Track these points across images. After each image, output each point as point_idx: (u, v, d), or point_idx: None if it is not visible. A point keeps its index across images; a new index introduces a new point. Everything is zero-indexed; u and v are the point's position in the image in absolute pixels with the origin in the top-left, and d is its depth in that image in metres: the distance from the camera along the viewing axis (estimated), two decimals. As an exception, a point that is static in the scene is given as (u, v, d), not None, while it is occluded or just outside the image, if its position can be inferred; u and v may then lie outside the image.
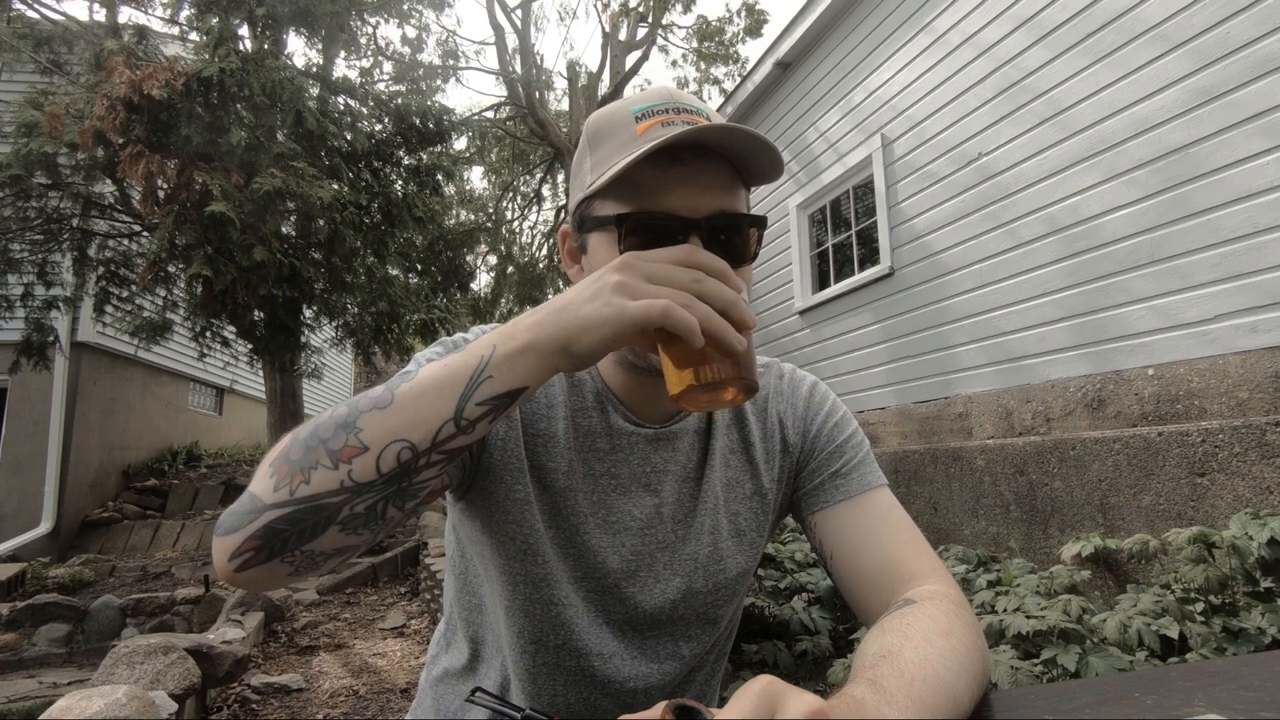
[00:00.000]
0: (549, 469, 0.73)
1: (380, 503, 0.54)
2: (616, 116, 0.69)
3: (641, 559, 0.76)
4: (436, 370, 0.55)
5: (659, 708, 0.41)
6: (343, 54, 8.58)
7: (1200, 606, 2.09)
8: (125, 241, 6.86)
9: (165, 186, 5.44)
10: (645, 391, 0.76)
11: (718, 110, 4.30)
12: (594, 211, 0.68)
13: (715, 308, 0.52)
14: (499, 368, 0.53)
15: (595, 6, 12.93)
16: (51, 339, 6.55)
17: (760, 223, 0.69)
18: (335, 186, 6.08)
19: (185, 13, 6.72)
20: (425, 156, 7.14)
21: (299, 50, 23.75)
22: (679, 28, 13.70)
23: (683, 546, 0.77)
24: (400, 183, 7.12)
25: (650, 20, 12.01)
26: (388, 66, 10.55)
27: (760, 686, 0.41)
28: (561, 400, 0.75)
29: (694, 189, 0.64)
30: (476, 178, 18.47)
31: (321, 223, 6.10)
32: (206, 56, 5.47)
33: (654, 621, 0.77)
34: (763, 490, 0.82)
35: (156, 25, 7.14)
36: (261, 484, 0.54)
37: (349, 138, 6.61)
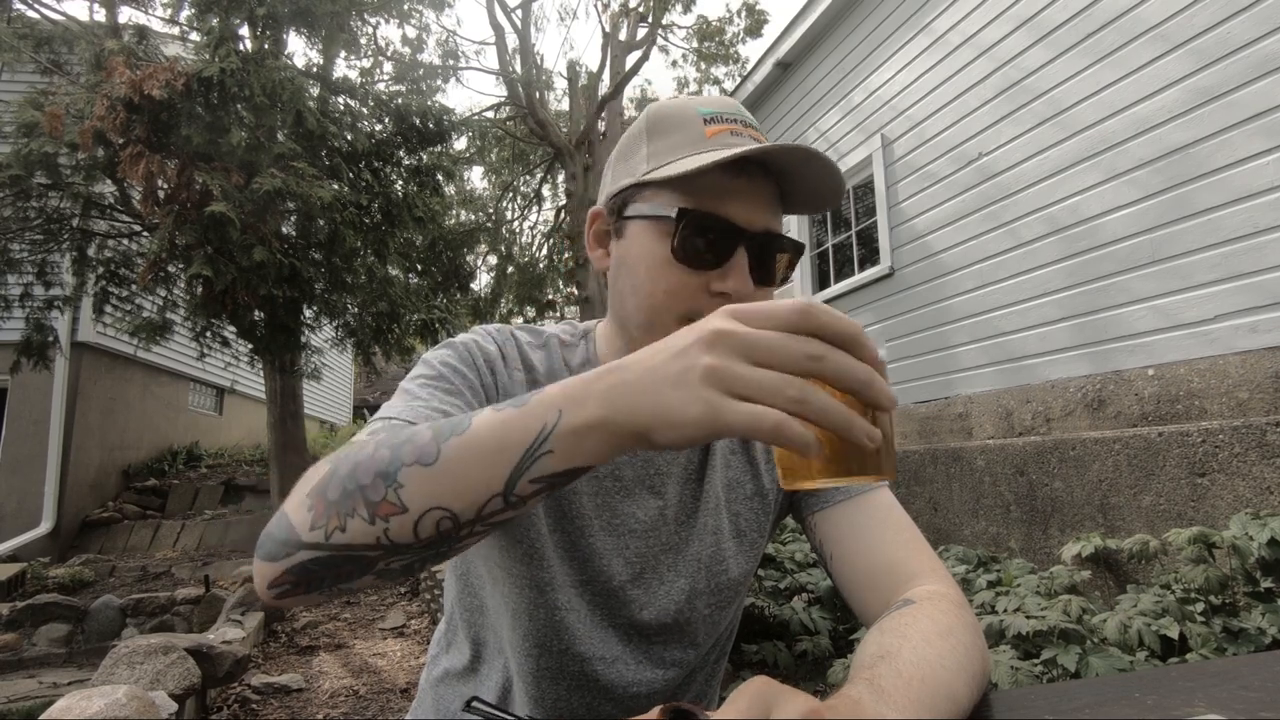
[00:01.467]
0: None
1: (417, 562, 0.51)
2: (683, 112, 0.69)
3: (646, 562, 0.76)
4: (491, 429, 0.47)
5: (654, 711, 0.41)
6: (343, 54, 8.59)
7: (1200, 607, 2.09)
8: (125, 241, 6.85)
9: (165, 186, 5.43)
10: None
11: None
12: (644, 200, 0.68)
13: (844, 388, 0.42)
14: (562, 441, 0.45)
15: (595, 6, 12.94)
16: (51, 339, 6.55)
17: (801, 250, 0.71)
18: (335, 186, 6.07)
19: (185, 13, 6.72)
20: (425, 156, 7.14)
21: (299, 50, 23.81)
22: (679, 28, 13.71)
23: (686, 548, 0.77)
24: (400, 183, 7.11)
25: (650, 20, 12.00)
26: (388, 66, 10.54)
27: (755, 688, 0.41)
28: None
29: (754, 203, 0.66)
30: (476, 178, 18.47)
31: (321, 223, 6.09)
32: (207, 56, 5.47)
33: (658, 625, 0.77)
34: (763, 490, 0.82)
35: (156, 25, 7.14)
36: (298, 515, 0.51)
37: (349, 138, 6.61)
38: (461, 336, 0.74)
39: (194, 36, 6.57)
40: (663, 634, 0.77)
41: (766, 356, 0.41)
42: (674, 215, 0.64)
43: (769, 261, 0.68)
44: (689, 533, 0.77)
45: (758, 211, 0.66)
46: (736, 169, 0.64)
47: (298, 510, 0.51)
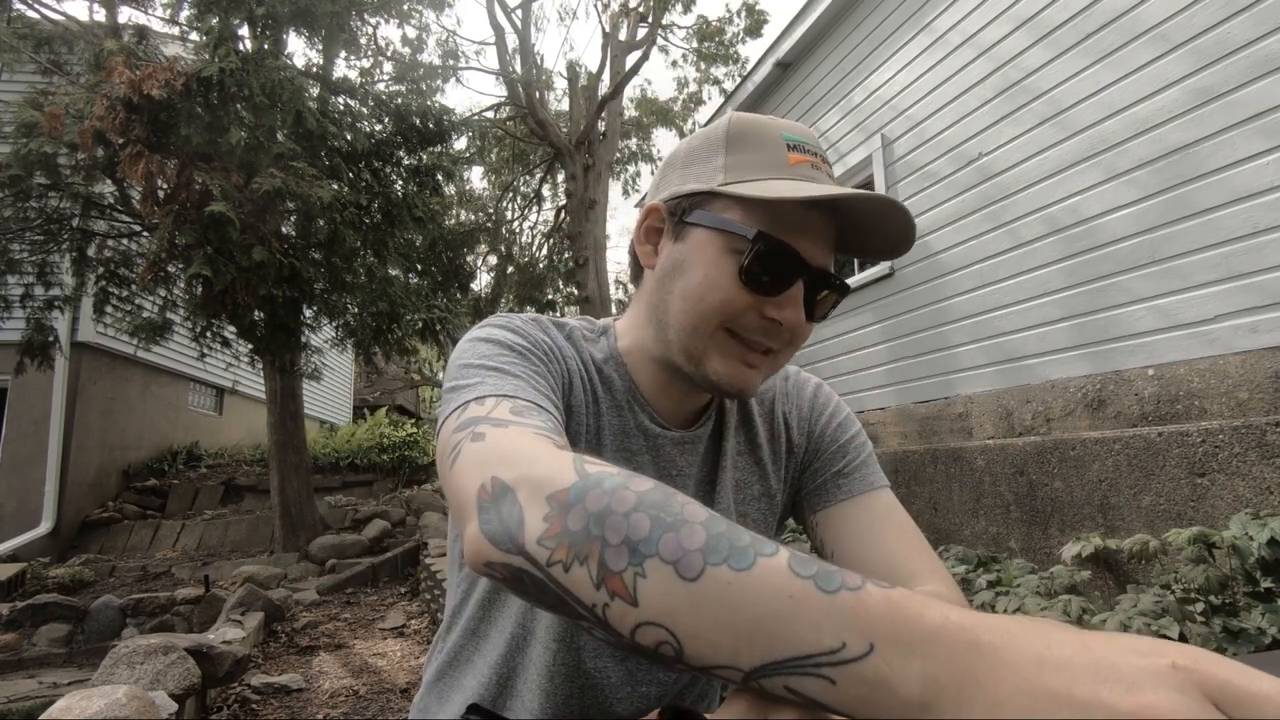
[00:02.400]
0: None
1: (617, 645, 0.45)
2: (767, 132, 0.69)
3: None
4: (777, 595, 0.37)
5: (654, 713, 0.41)
6: (343, 54, 8.58)
7: (1200, 607, 2.09)
8: (125, 241, 6.86)
9: (165, 186, 5.44)
10: (675, 394, 0.76)
11: (715, 111, 4.33)
12: (715, 210, 0.68)
13: None
14: (850, 685, 0.34)
15: (595, 6, 12.93)
16: (52, 339, 6.55)
17: (846, 293, 0.72)
18: (335, 186, 6.07)
19: (185, 13, 6.72)
20: (425, 156, 7.14)
21: (299, 50, 23.74)
22: (679, 28, 13.69)
23: None
24: (400, 183, 7.11)
25: (650, 20, 11.99)
26: (388, 66, 10.53)
27: (754, 689, 0.41)
28: (602, 396, 0.75)
29: (820, 241, 0.68)
30: (476, 178, 18.47)
31: (321, 223, 6.09)
32: (206, 56, 5.47)
33: None
34: (770, 491, 0.83)
35: (156, 25, 7.14)
36: (533, 514, 0.45)
37: (349, 138, 6.61)
38: (505, 319, 0.72)
39: (194, 36, 6.57)
40: None
41: None
42: (751, 236, 0.65)
43: (818, 298, 0.69)
44: None
45: (822, 250, 0.68)
46: (812, 205, 0.66)
47: (534, 509, 0.46)
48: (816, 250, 0.67)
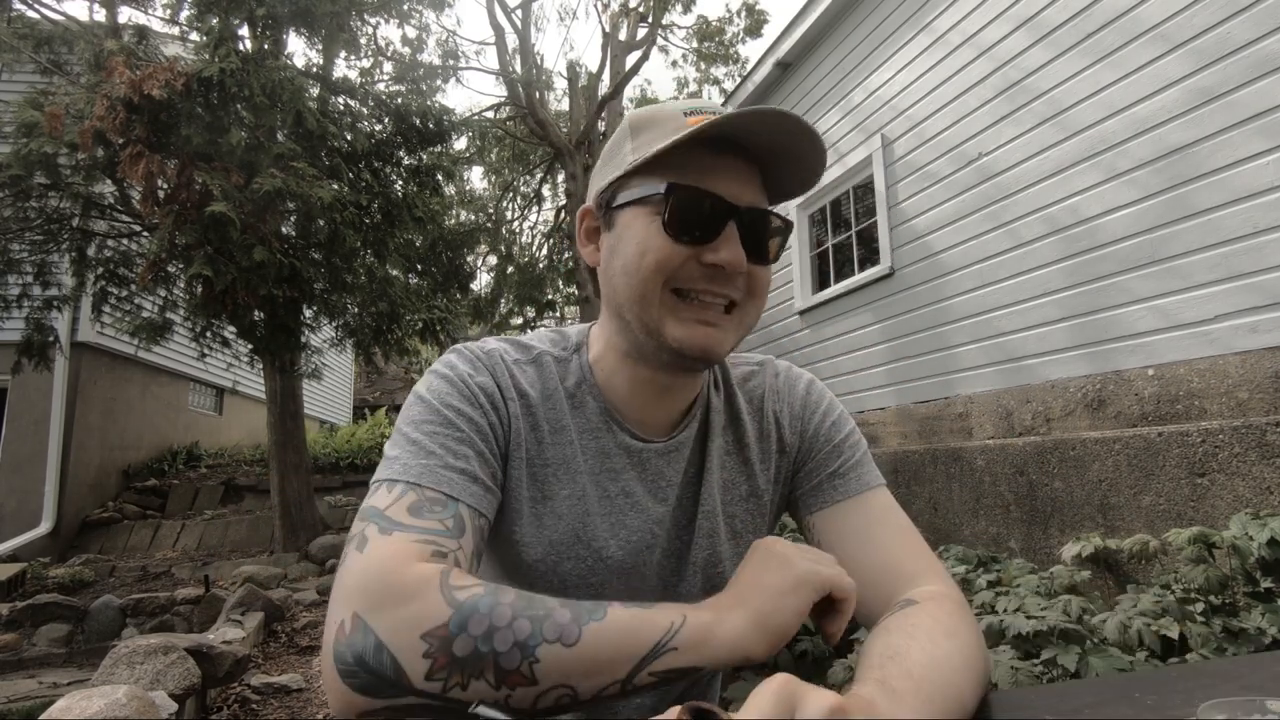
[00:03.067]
0: (562, 496, 0.73)
1: (519, 716, 0.53)
2: (665, 111, 0.71)
3: (657, 570, 0.77)
4: (627, 621, 0.53)
5: (673, 711, 0.41)
6: (343, 54, 8.58)
7: (1200, 607, 2.09)
8: (125, 241, 6.85)
9: (165, 186, 5.43)
10: (653, 395, 0.75)
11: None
12: (632, 188, 0.69)
13: None
14: (687, 642, 0.52)
15: (595, 6, 12.93)
16: (52, 339, 6.55)
17: (788, 229, 0.72)
18: (335, 186, 6.07)
19: (185, 13, 6.72)
20: (425, 156, 7.13)
21: (299, 50, 23.78)
22: (679, 28, 13.71)
23: (686, 552, 0.78)
24: (400, 183, 7.11)
25: (650, 20, 11.99)
26: (388, 66, 10.53)
27: (778, 685, 0.41)
28: (569, 424, 0.74)
29: (739, 180, 0.68)
30: (476, 178, 18.46)
31: (321, 223, 6.09)
32: (206, 56, 5.47)
33: None
34: (758, 491, 0.82)
35: (156, 25, 7.13)
36: (411, 660, 0.50)
37: (349, 138, 6.61)
38: (450, 366, 0.71)
39: (194, 36, 6.56)
40: None
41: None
42: (663, 190, 0.66)
43: (761, 238, 0.69)
44: (690, 537, 0.78)
45: (743, 188, 0.68)
46: (719, 149, 0.66)
47: (410, 654, 0.50)
48: (739, 189, 0.67)
